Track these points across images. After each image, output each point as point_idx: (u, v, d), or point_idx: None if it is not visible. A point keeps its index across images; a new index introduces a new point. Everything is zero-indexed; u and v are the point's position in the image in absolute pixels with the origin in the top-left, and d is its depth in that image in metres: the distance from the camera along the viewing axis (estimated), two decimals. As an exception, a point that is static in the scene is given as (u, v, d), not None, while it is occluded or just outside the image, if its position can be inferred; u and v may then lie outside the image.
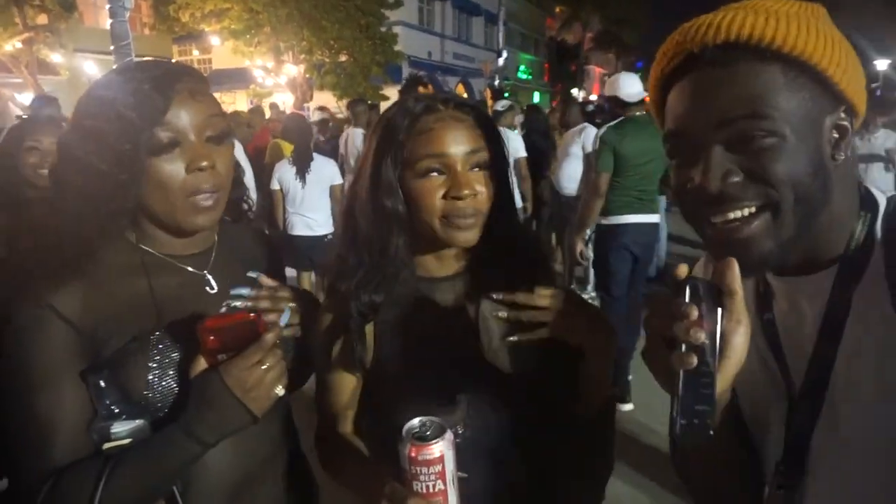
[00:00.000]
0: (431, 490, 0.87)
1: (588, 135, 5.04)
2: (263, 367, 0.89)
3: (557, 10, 43.00)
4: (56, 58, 14.70)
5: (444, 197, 0.98)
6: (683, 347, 0.67)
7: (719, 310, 0.68)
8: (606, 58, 49.77)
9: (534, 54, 40.83)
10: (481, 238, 1.01)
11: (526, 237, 1.16)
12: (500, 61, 21.28)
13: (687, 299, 0.67)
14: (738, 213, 0.73)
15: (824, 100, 0.73)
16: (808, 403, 0.81)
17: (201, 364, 0.91)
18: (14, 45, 13.64)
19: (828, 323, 0.78)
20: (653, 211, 3.81)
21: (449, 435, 0.89)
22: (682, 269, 0.70)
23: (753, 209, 0.73)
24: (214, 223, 1.02)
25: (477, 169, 0.99)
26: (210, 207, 0.98)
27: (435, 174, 0.98)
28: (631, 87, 3.78)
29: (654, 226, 3.87)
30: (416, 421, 0.90)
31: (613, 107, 3.95)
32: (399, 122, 0.99)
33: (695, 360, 0.66)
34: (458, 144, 0.98)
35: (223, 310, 0.96)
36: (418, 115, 0.99)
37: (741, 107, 0.70)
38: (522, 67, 37.35)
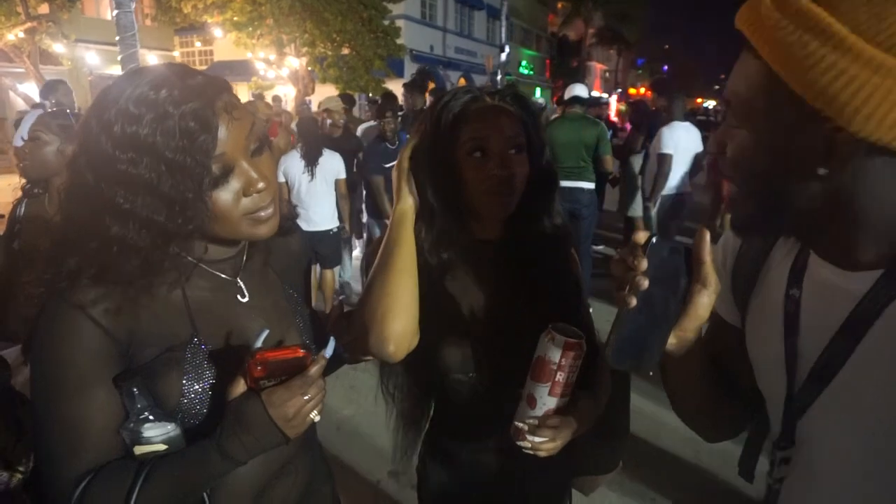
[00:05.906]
0: (571, 381, 1.02)
1: None
2: (306, 397, 0.89)
3: (559, 5, 42.96)
4: (58, 48, 14.67)
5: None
6: (628, 290, 0.76)
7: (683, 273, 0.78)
8: (608, 54, 49.72)
9: (535, 50, 40.76)
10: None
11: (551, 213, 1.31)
12: (503, 56, 21.23)
13: (644, 255, 0.76)
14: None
15: (801, 113, 0.68)
16: (812, 387, 0.82)
17: (241, 386, 0.90)
18: (17, 34, 13.61)
19: (851, 323, 0.77)
20: (582, 179, 5.15)
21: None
22: (641, 236, 0.78)
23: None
24: (277, 227, 1.01)
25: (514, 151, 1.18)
26: (271, 215, 0.97)
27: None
28: (569, 92, 5.43)
29: (583, 190, 5.16)
30: (557, 325, 1.02)
31: (563, 106, 5.58)
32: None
33: (634, 302, 0.75)
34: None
35: (266, 334, 0.95)
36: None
37: (734, 90, 0.75)
38: (524, 63, 37.28)
